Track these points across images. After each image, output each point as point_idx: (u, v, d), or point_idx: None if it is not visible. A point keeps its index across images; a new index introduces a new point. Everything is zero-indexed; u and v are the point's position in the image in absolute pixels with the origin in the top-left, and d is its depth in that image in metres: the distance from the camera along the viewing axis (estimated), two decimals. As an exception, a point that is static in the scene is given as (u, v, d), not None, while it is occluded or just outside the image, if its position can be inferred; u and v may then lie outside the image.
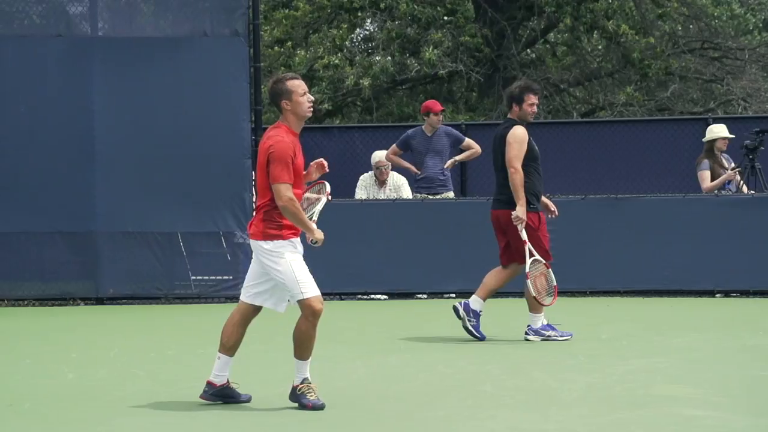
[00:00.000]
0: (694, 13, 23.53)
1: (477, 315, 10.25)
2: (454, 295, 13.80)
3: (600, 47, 24.97)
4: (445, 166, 14.49)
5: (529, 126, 10.27)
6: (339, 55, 22.65)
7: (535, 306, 10.17)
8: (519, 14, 23.25)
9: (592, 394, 7.68)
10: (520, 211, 10.01)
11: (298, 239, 7.33)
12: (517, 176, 10.01)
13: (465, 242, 13.88)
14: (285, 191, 7.18)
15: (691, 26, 24.29)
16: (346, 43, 23.62)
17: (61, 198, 13.61)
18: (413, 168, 14.52)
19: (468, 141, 14.66)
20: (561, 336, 10.14)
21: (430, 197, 14.35)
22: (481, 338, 10.22)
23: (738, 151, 14.45)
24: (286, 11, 23.23)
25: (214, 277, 13.82)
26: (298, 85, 7.36)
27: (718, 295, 13.66)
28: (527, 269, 10.05)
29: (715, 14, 23.05)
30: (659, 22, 23.23)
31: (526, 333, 10.20)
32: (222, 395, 7.43)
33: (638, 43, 22.39)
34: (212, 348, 7.61)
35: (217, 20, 13.78)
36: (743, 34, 23.73)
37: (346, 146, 17.21)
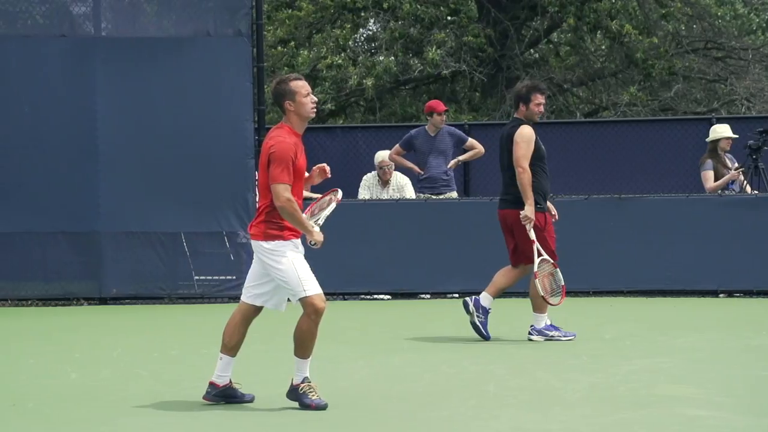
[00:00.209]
0: (698, 12, 23.51)
1: (486, 312, 10.24)
2: (457, 295, 13.78)
3: (603, 47, 24.96)
4: (449, 166, 14.48)
5: (534, 126, 10.27)
6: (342, 55, 22.64)
7: (539, 306, 10.16)
8: (522, 14, 23.24)
9: (596, 394, 7.68)
10: (529, 210, 10.01)
11: (299, 240, 7.32)
12: (525, 176, 10.00)
13: (468, 242, 13.88)
14: (283, 192, 7.17)
15: (694, 26, 24.27)
16: (350, 43, 23.61)
17: (64, 198, 13.62)
18: (416, 168, 14.52)
19: (471, 141, 14.65)
20: (564, 336, 10.13)
21: (434, 197, 14.34)
22: (487, 337, 10.22)
23: (741, 151, 14.45)
24: (290, 11, 23.22)
25: (217, 277, 13.82)
26: (301, 85, 7.35)
27: (721, 295, 13.65)
28: (535, 268, 10.04)
29: (719, 14, 23.02)
30: (663, 21, 23.21)
31: (530, 333, 10.20)
32: (225, 396, 7.43)
33: (642, 43, 22.37)
34: (215, 348, 7.61)
35: (220, 20, 13.79)
36: (747, 34, 23.71)
37: (349, 146, 17.21)
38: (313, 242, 7.30)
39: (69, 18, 13.87)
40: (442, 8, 23.00)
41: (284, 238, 7.25)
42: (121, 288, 13.80)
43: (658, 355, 9.31)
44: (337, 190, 7.70)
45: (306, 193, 7.78)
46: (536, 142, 10.15)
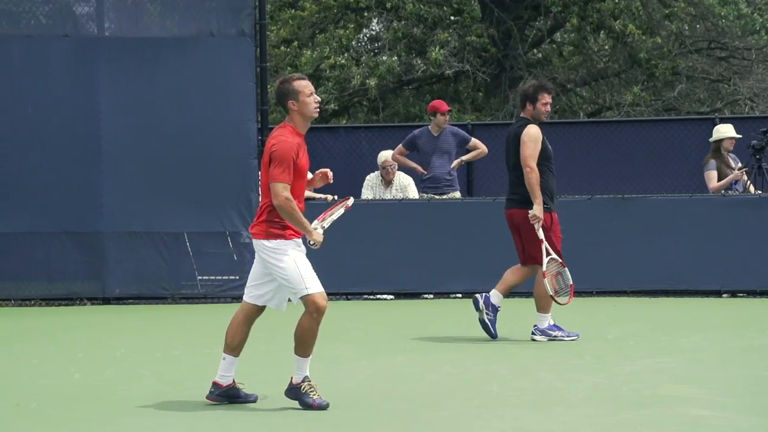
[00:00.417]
0: (701, 12, 23.48)
1: (495, 310, 10.24)
2: (460, 296, 13.80)
3: (607, 47, 24.95)
4: (452, 166, 14.48)
5: (541, 125, 10.27)
6: (345, 55, 22.65)
7: (543, 305, 10.16)
8: (525, 14, 23.23)
9: (599, 394, 7.67)
10: (537, 210, 10.00)
11: (301, 239, 7.32)
12: (533, 175, 10.00)
13: (471, 242, 13.88)
14: (282, 191, 7.17)
15: (698, 26, 24.25)
16: (353, 43, 23.61)
17: (68, 198, 13.63)
18: (419, 168, 14.51)
19: (474, 141, 14.65)
20: (567, 336, 10.13)
21: (437, 197, 14.34)
22: (494, 336, 10.21)
23: (745, 151, 14.44)
24: (293, 11, 23.23)
25: (220, 277, 13.83)
26: (305, 85, 7.35)
27: (724, 295, 13.65)
28: (544, 268, 10.04)
29: (722, 14, 22.99)
30: (666, 22, 23.19)
31: (533, 333, 10.19)
32: (228, 396, 7.43)
33: (645, 43, 22.37)
34: (218, 348, 7.61)
35: (223, 20, 13.79)
36: (750, 34, 23.67)
37: (352, 146, 17.21)
38: (312, 242, 7.30)
39: (72, 18, 13.88)
40: (445, 8, 23.00)
41: (286, 237, 7.25)
42: (124, 288, 13.81)
43: (662, 355, 9.31)
44: (349, 198, 7.72)
45: (308, 193, 7.78)
46: (543, 142, 10.14)
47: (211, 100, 13.75)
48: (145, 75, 13.75)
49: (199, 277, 13.81)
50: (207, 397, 7.45)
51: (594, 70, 24.44)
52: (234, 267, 13.68)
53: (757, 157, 14.19)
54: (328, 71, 22.26)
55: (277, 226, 7.25)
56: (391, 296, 13.99)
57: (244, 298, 7.49)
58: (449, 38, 22.34)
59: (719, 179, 14.14)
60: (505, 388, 7.94)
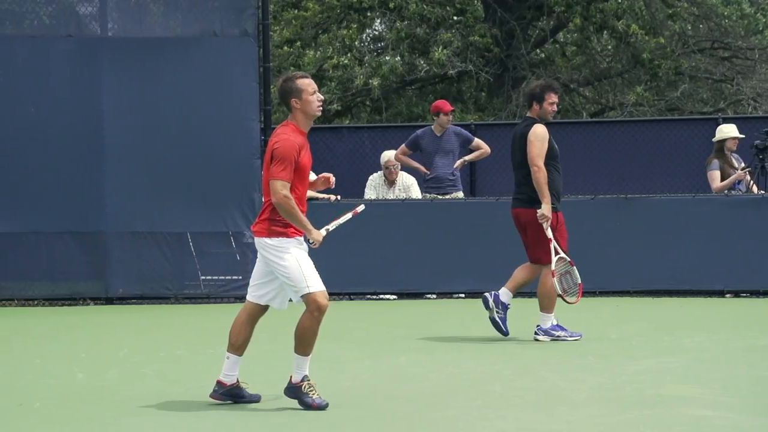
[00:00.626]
0: (704, 12, 23.47)
1: (506, 308, 10.25)
2: (463, 296, 13.80)
3: (610, 47, 24.93)
4: (455, 166, 14.48)
5: (547, 125, 10.27)
6: (348, 55, 22.64)
7: (546, 305, 10.16)
8: (528, 14, 23.22)
9: (602, 394, 7.67)
10: (546, 209, 10.01)
11: (303, 237, 7.31)
12: (540, 174, 10.00)
13: (474, 242, 13.88)
14: (281, 188, 7.16)
15: (701, 26, 24.24)
16: (356, 43, 23.60)
17: (71, 198, 13.65)
18: (422, 168, 14.51)
19: (477, 141, 14.64)
20: (570, 336, 10.13)
21: (440, 197, 14.34)
22: (506, 333, 10.22)
23: (748, 151, 14.43)
24: (296, 11, 23.23)
25: (223, 277, 13.83)
26: (308, 83, 7.35)
27: (728, 295, 13.65)
28: (552, 267, 10.04)
29: (725, 14, 22.98)
30: (669, 21, 23.18)
31: (536, 333, 10.19)
32: (231, 395, 7.43)
33: (648, 43, 22.35)
34: (221, 348, 7.62)
35: (226, 20, 13.80)
36: (753, 33, 23.64)
37: (355, 146, 17.21)
38: (311, 240, 7.29)
39: (75, 18, 13.89)
40: (448, 8, 22.98)
41: (288, 235, 7.25)
42: (127, 288, 13.82)
43: (665, 355, 9.31)
44: (360, 204, 7.75)
45: (311, 193, 7.78)
46: (550, 141, 10.15)
47: (214, 100, 13.76)
48: (148, 75, 13.77)
49: (202, 277, 13.82)
50: (211, 396, 7.45)
51: (597, 70, 24.43)
52: (237, 267, 13.68)
53: (760, 157, 14.18)
54: (331, 71, 22.25)
55: (279, 224, 7.24)
56: (394, 296, 13.99)
57: (247, 297, 7.49)
58: (452, 38, 22.32)
59: (722, 179, 14.13)
60: (507, 388, 7.94)
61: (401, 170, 14.80)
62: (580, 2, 22.27)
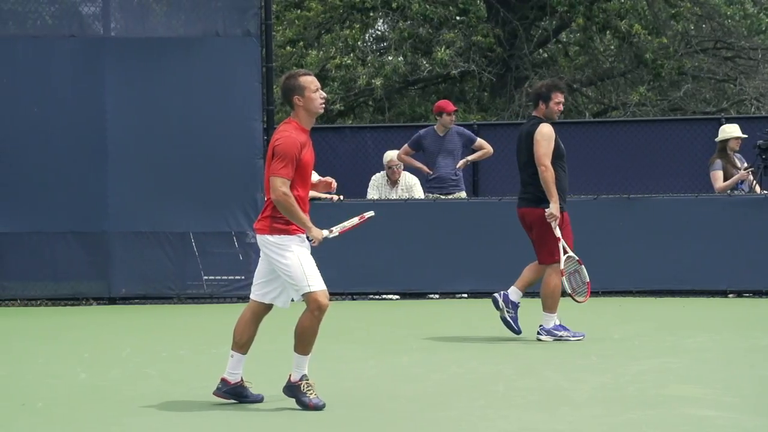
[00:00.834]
0: (707, 12, 23.45)
1: (516, 307, 10.25)
2: (465, 296, 13.80)
3: (612, 47, 24.91)
4: (458, 166, 14.48)
5: (553, 124, 10.27)
6: (351, 55, 22.64)
7: (549, 305, 10.16)
8: (531, 14, 23.20)
9: (604, 394, 7.67)
10: (554, 208, 10.00)
11: (305, 235, 7.30)
12: (548, 174, 10.00)
13: (477, 242, 13.88)
14: (280, 185, 7.16)
15: (703, 26, 24.22)
16: (358, 43, 23.60)
17: (74, 198, 13.66)
18: (425, 168, 14.51)
19: (480, 141, 14.64)
20: (573, 336, 10.13)
21: (443, 197, 14.34)
22: (518, 332, 10.22)
23: (751, 151, 14.43)
24: (299, 11, 23.23)
25: (226, 277, 13.84)
26: (310, 81, 7.35)
27: (730, 295, 13.64)
28: (561, 266, 10.04)
29: (728, 14, 22.96)
30: (672, 21, 23.17)
31: (539, 333, 10.19)
32: (235, 393, 7.43)
33: (651, 42, 22.34)
34: (224, 348, 7.62)
35: (229, 20, 13.80)
36: (756, 33, 23.62)
37: (357, 146, 17.21)
38: (311, 238, 7.29)
39: (78, 18, 13.90)
40: (450, 8, 22.97)
41: (290, 233, 7.24)
42: (130, 288, 13.83)
43: (667, 355, 9.30)
44: (370, 211, 7.74)
45: (314, 193, 7.77)
46: (556, 141, 10.15)
47: (217, 100, 13.77)
48: (151, 75, 13.77)
49: (205, 277, 13.83)
50: (214, 393, 7.45)
51: (600, 70, 24.41)
52: (240, 267, 13.69)
53: (763, 157, 14.17)
54: (333, 71, 22.25)
55: (281, 221, 7.24)
56: (397, 296, 13.99)
57: (250, 296, 7.49)
58: (455, 38, 22.31)
59: (725, 179, 14.13)
60: (510, 388, 7.94)
61: (404, 170, 14.80)
62: (583, 2, 22.26)
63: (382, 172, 14.90)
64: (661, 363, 8.86)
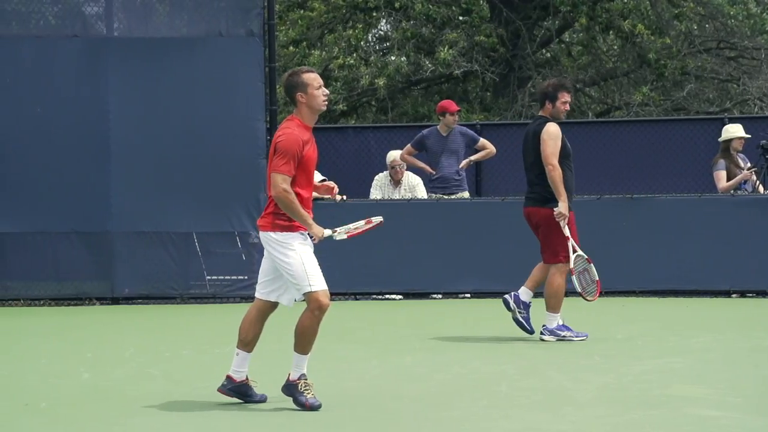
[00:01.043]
0: (710, 12, 23.44)
1: (527, 306, 10.25)
2: (468, 295, 13.80)
3: (615, 47, 24.90)
4: (460, 166, 14.47)
5: (560, 124, 10.26)
6: (354, 55, 22.64)
7: (552, 305, 10.16)
8: (534, 14, 23.20)
9: (607, 394, 7.67)
10: (563, 207, 10.00)
11: (307, 232, 7.30)
12: (555, 173, 9.99)
13: (480, 242, 13.88)
14: (281, 182, 7.15)
15: (707, 26, 24.20)
16: (361, 43, 23.60)
17: (77, 198, 13.66)
18: (428, 168, 14.51)
19: (483, 141, 14.64)
20: (576, 336, 10.12)
21: (445, 197, 14.34)
22: (530, 332, 10.22)
23: (754, 151, 14.42)
24: (302, 11, 23.24)
25: (229, 277, 13.84)
26: (313, 78, 7.35)
27: (734, 295, 13.63)
28: (571, 265, 10.04)
29: (731, 14, 22.95)
30: (675, 21, 23.15)
31: (542, 333, 10.19)
32: (239, 392, 7.43)
33: (654, 42, 22.33)
34: (227, 348, 7.62)
35: (232, 20, 13.81)
36: (759, 33, 23.61)
37: (360, 146, 17.20)
38: (311, 235, 7.29)
39: (81, 18, 13.91)
40: (453, 8, 22.98)
41: (292, 229, 7.24)
42: (133, 288, 13.83)
43: (670, 355, 9.30)
44: (379, 216, 7.75)
45: (315, 193, 7.75)
46: (563, 140, 10.15)
47: (220, 100, 13.77)
48: (154, 75, 13.78)
49: (208, 277, 13.83)
50: (218, 389, 7.44)
51: (603, 70, 24.40)
52: (243, 267, 13.69)
53: (766, 157, 14.17)
54: (336, 71, 22.25)
55: (284, 218, 7.23)
56: (400, 296, 13.99)
57: (255, 294, 7.49)
58: (458, 38, 22.31)
59: (728, 179, 14.12)
60: (513, 388, 7.94)
61: (407, 170, 14.80)
62: (586, 2, 22.25)
63: (385, 172, 14.90)
64: (665, 363, 8.86)
